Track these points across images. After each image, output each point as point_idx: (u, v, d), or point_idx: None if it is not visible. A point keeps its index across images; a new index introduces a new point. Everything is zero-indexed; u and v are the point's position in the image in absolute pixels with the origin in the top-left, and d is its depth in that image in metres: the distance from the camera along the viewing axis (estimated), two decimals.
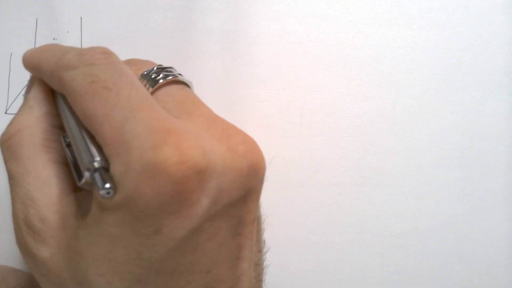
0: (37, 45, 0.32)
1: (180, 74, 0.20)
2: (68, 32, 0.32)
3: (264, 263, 0.22)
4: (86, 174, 0.16)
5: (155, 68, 0.20)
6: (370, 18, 0.30)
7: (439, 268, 0.28)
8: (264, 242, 0.22)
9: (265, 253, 0.22)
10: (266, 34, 0.30)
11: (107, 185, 0.15)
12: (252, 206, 0.18)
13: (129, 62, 0.21)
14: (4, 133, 0.20)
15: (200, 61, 0.30)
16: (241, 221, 0.18)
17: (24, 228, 0.18)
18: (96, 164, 0.16)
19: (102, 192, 0.15)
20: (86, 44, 0.31)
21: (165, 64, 0.21)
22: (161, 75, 0.20)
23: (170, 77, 0.20)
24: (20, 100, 0.31)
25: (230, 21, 0.30)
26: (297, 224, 0.29)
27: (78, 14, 0.32)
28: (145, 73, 0.20)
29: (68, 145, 0.19)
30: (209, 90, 0.30)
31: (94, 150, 0.16)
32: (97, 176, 0.15)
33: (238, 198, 0.17)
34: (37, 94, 0.21)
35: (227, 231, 0.17)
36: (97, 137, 0.16)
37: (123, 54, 0.31)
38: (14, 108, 0.31)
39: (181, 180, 0.15)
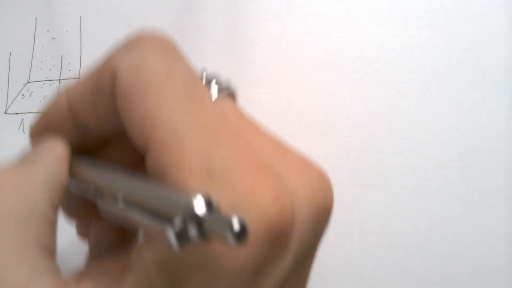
0: (37, 45, 0.32)
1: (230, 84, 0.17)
2: (67, 31, 0.32)
3: None
4: (193, 232, 0.10)
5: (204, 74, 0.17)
6: (370, 18, 0.30)
7: (439, 268, 0.28)
8: None
9: None
10: (266, 34, 0.30)
11: (237, 226, 0.10)
12: (316, 248, 0.16)
13: None
14: None
15: (200, 61, 0.30)
16: (304, 263, 0.16)
17: None
18: (201, 206, 0.10)
19: (232, 239, 0.10)
20: (86, 44, 0.31)
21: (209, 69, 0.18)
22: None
23: (227, 90, 0.17)
24: (20, 100, 0.31)
25: (230, 21, 0.30)
26: None
27: (78, 14, 0.32)
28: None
29: (121, 204, 0.13)
30: None
31: (182, 195, 0.11)
32: (215, 219, 0.10)
33: (309, 245, 0.15)
34: (45, 155, 0.15)
35: (292, 283, 0.15)
36: (158, 151, 0.12)
37: None
38: (14, 108, 0.31)
39: (274, 237, 0.12)
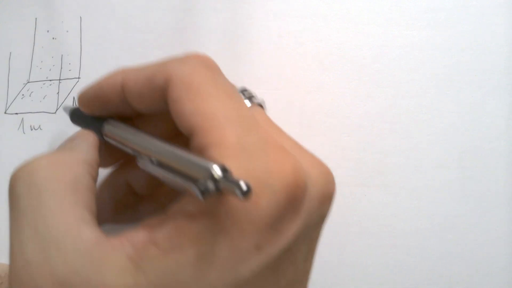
0: (37, 45, 0.32)
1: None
2: (67, 31, 0.32)
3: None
4: (210, 184, 0.14)
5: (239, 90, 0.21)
6: (370, 18, 0.30)
7: (439, 268, 0.28)
8: None
9: None
10: (266, 34, 0.30)
11: (244, 187, 0.13)
12: (319, 233, 0.19)
13: None
14: (25, 165, 0.17)
15: None
16: (310, 247, 0.18)
17: (47, 284, 0.14)
18: (218, 172, 0.14)
19: (240, 195, 0.13)
20: (85, 44, 0.31)
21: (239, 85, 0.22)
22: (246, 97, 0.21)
23: (256, 101, 0.21)
24: (19, 100, 0.31)
25: (230, 21, 0.30)
26: None
27: (78, 14, 0.32)
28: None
29: (157, 165, 0.17)
30: None
31: (203, 160, 0.15)
32: (228, 180, 0.14)
33: (316, 223, 0.18)
34: (81, 142, 0.19)
35: (301, 256, 0.18)
36: (203, 134, 0.16)
37: (123, 54, 0.31)
38: (14, 108, 0.31)
39: (291, 198, 0.15)
